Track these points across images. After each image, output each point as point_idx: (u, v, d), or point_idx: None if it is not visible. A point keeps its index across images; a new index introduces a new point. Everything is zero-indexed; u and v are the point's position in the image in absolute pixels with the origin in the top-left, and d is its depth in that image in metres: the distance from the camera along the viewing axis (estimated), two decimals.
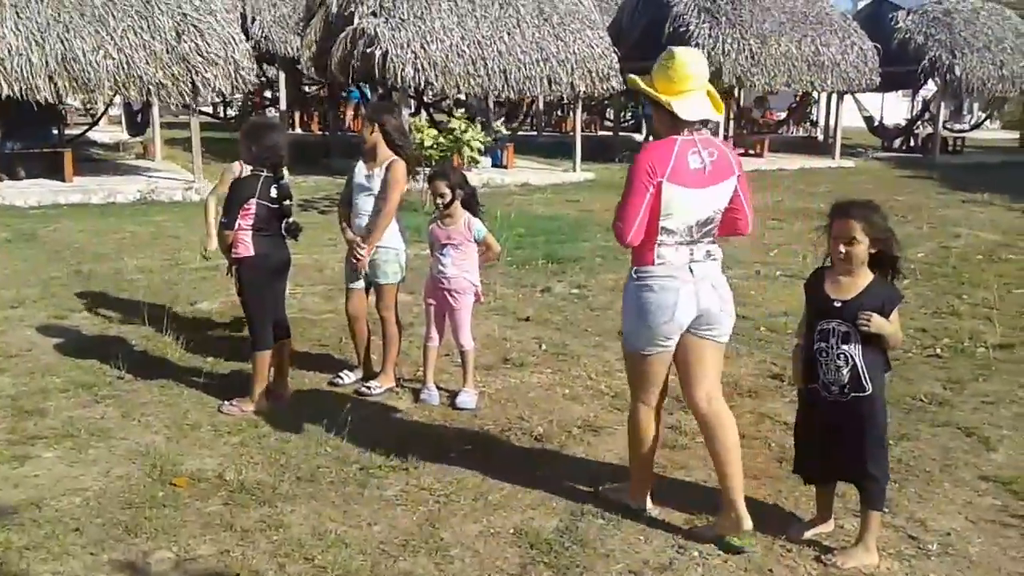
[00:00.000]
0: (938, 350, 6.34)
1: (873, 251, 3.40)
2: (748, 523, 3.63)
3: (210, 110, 27.52)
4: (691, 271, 3.58)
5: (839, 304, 3.44)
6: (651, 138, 3.98)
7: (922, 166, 20.43)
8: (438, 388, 5.35)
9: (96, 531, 3.73)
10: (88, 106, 21.87)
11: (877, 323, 3.37)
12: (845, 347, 3.42)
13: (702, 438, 4.67)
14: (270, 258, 5.00)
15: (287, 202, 5.00)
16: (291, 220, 5.07)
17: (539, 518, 3.88)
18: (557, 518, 3.88)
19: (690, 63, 3.57)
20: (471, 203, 5.19)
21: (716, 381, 3.74)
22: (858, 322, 3.37)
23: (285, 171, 5.11)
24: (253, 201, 4.88)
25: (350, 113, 23.78)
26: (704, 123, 3.68)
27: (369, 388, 5.36)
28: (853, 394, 3.43)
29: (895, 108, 29.92)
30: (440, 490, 4.12)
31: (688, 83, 3.55)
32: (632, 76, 3.75)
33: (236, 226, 4.88)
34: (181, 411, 5.02)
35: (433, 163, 12.81)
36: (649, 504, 3.93)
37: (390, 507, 3.97)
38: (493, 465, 4.39)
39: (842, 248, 3.39)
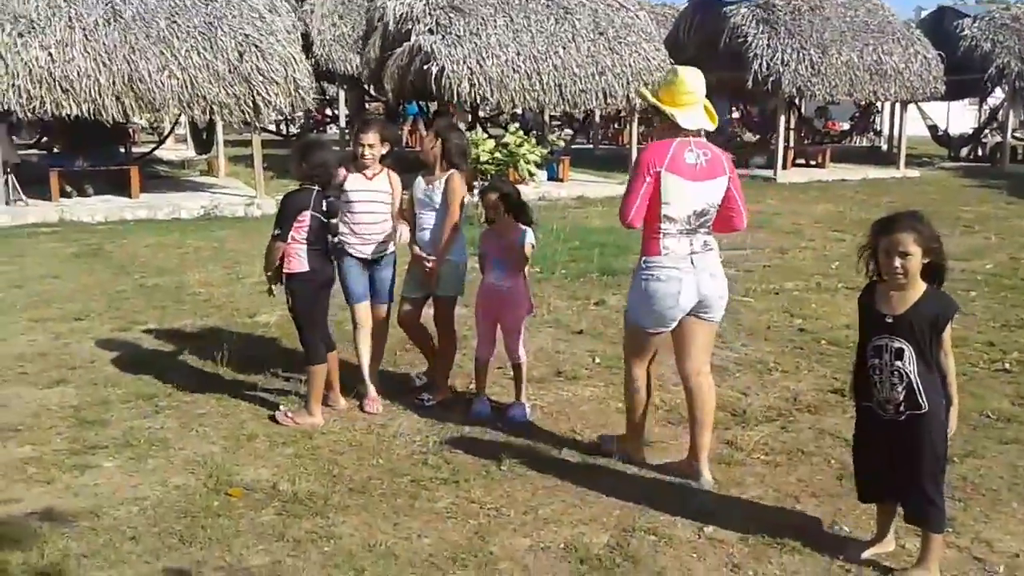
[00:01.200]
0: (1007, 364, 6.13)
1: (926, 261, 3.30)
2: (707, 478, 4.27)
3: (273, 128, 28.09)
4: (692, 262, 4.13)
5: (891, 319, 3.35)
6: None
7: (990, 176, 19.87)
8: (490, 401, 5.34)
9: (152, 540, 3.79)
10: (154, 125, 22.47)
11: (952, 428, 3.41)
12: (899, 363, 3.32)
13: (758, 454, 4.63)
14: (320, 273, 5.05)
15: (334, 220, 5.06)
16: (336, 239, 5.11)
17: (590, 533, 3.84)
18: (608, 533, 3.83)
19: (690, 80, 4.18)
20: (524, 216, 5.18)
21: (706, 356, 4.36)
22: (904, 317, 3.33)
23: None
24: (307, 213, 4.93)
25: (407, 129, 24.01)
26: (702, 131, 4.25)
27: (423, 400, 5.37)
28: (909, 412, 3.32)
29: (961, 117, 29.17)
30: (490, 503, 4.10)
31: (688, 97, 4.15)
32: (641, 89, 4.43)
33: (290, 239, 4.93)
34: (238, 422, 5.09)
35: (490, 177, 12.88)
36: (646, 454, 4.51)
37: (440, 520, 3.96)
38: (544, 479, 4.36)
39: (897, 262, 3.29)
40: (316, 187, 5.00)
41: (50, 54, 12.38)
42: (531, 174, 15.10)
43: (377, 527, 3.89)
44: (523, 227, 5.15)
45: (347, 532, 3.84)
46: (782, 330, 7.05)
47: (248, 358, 6.19)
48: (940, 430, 3.37)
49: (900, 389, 3.33)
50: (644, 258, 4.17)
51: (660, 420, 5.16)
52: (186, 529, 3.87)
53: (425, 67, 15.02)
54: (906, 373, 3.31)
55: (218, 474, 4.40)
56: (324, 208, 5.00)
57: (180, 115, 15.00)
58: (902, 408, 3.34)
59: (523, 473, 4.42)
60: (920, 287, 3.34)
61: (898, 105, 21.12)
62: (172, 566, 3.59)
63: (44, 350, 6.49)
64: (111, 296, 8.22)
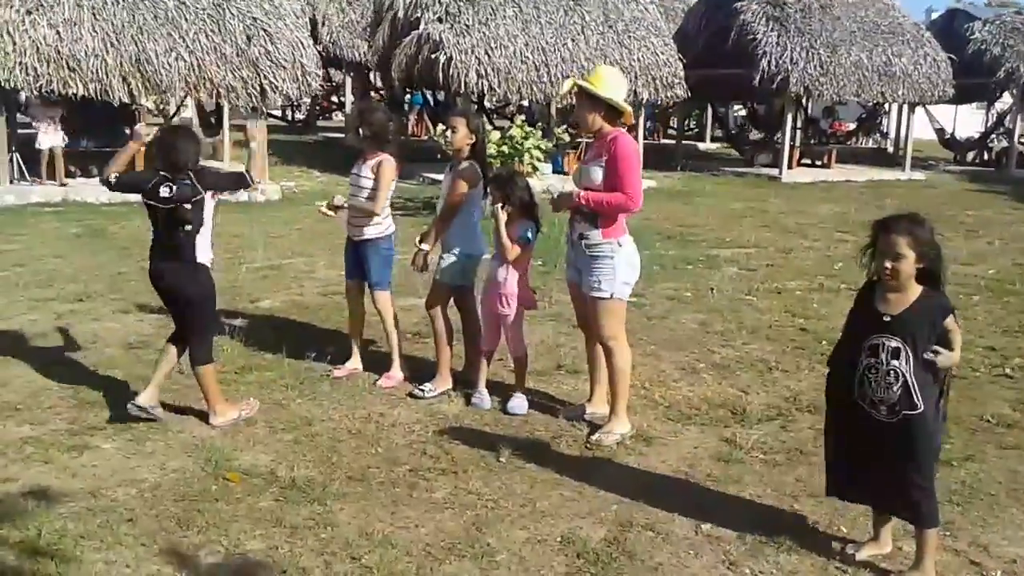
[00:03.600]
0: (1008, 370, 6.12)
1: (920, 266, 3.29)
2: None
3: (278, 113, 28.06)
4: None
5: (888, 319, 3.33)
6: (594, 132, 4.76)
7: (996, 180, 19.84)
8: (490, 392, 5.33)
9: (149, 522, 3.79)
10: (160, 107, 22.40)
11: (944, 359, 3.29)
12: (895, 363, 3.30)
13: (757, 453, 4.63)
14: (152, 271, 4.90)
15: (181, 209, 4.58)
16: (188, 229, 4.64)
17: (587, 527, 3.83)
18: (605, 528, 3.83)
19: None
20: (530, 210, 5.15)
21: None
22: (926, 356, 3.27)
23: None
24: (140, 197, 4.71)
25: (413, 118, 23.96)
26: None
27: (423, 391, 5.36)
28: (904, 412, 3.31)
29: (968, 121, 29.11)
30: (488, 495, 4.10)
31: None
32: (597, 90, 4.59)
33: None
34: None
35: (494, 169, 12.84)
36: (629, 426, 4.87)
37: (438, 510, 3.96)
38: (542, 472, 4.35)
39: (888, 264, 3.27)
40: (162, 171, 4.62)
41: (58, 32, 12.37)
42: (535, 168, 15.05)
43: (375, 515, 3.89)
44: (527, 221, 5.13)
45: (344, 520, 3.84)
46: (784, 329, 7.04)
47: (249, 342, 6.20)
48: (934, 428, 3.37)
49: (896, 389, 3.30)
50: (618, 238, 4.64)
51: (660, 416, 5.16)
52: (183, 513, 3.87)
53: (433, 56, 15.01)
54: (902, 373, 3.29)
55: (217, 458, 4.40)
56: (164, 193, 4.58)
57: (186, 97, 14.98)
58: (897, 408, 3.32)
59: (522, 466, 4.42)
60: (916, 289, 3.32)
61: (905, 107, 21.07)
62: (168, 549, 3.59)
63: (45, 330, 6.49)
64: (113, 277, 8.22)
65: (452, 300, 5.52)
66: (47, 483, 4.11)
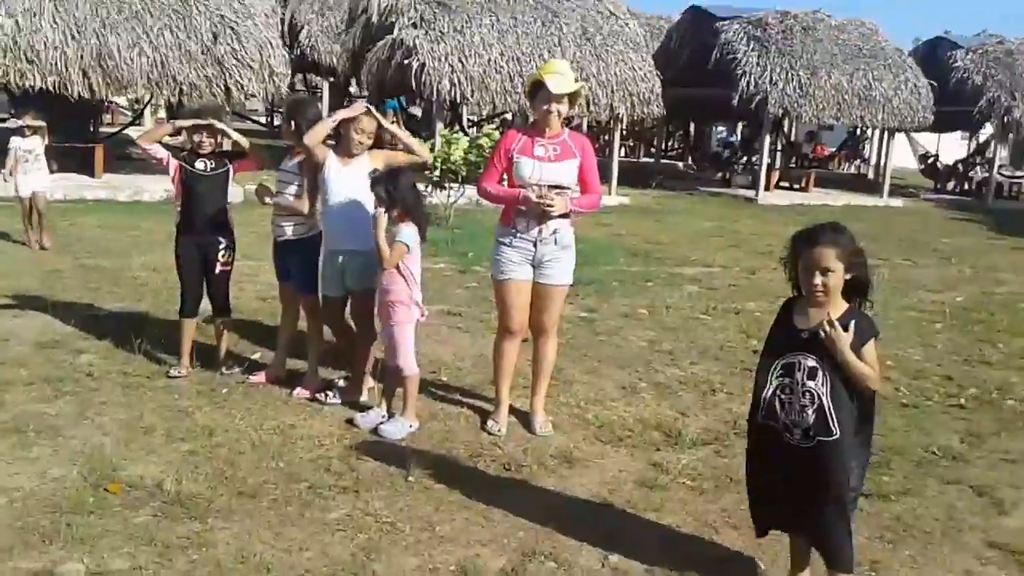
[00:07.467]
0: (962, 400, 5.87)
1: (848, 277, 3.02)
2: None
3: (263, 120, 27.85)
4: None
5: (806, 335, 3.05)
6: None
7: (974, 210, 19.73)
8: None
9: (10, 535, 3.47)
10: (135, 105, 22.12)
11: (839, 335, 2.95)
12: (811, 384, 3.01)
13: (684, 479, 4.35)
14: None
15: None
16: None
17: (486, 556, 3.54)
18: (506, 557, 3.53)
19: None
20: (414, 212, 4.69)
21: None
22: (819, 335, 2.97)
23: None
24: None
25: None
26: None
27: (327, 395, 5.12)
28: (819, 438, 3.02)
29: (954, 150, 29.05)
30: (387, 517, 3.80)
31: None
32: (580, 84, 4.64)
33: None
34: (138, 413, 4.77)
35: (460, 177, 12.57)
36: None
37: (328, 532, 3.66)
38: (452, 493, 4.06)
39: (818, 279, 3.00)
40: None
41: (16, 22, 12.07)
42: None
43: (257, 536, 3.58)
44: (409, 225, 4.66)
45: (223, 540, 3.53)
46: (735, 351, 6.77)
47: (168, 349, 5.85)
48: (850, 457, 3.07)
49: (810, 412, 3.01)
50: (573, 230, 4.76)
51: (589, 437, 4.88)
52: (51, 525, 3.56)
53: (406, 62, 14.75)
54: (818, 395, 3.00)
55: (102, 468, 4.08)
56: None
57: (149, 95, 14.67)
58: (811, 433, 3.03)
59: (431, 486, 4.12)
60: (841, 305, 3.05)
61: (886, 133, 20.94)
62: (24, 566, 3.28)
63: None
64: (46, 274, 7.90)
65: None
66: None
